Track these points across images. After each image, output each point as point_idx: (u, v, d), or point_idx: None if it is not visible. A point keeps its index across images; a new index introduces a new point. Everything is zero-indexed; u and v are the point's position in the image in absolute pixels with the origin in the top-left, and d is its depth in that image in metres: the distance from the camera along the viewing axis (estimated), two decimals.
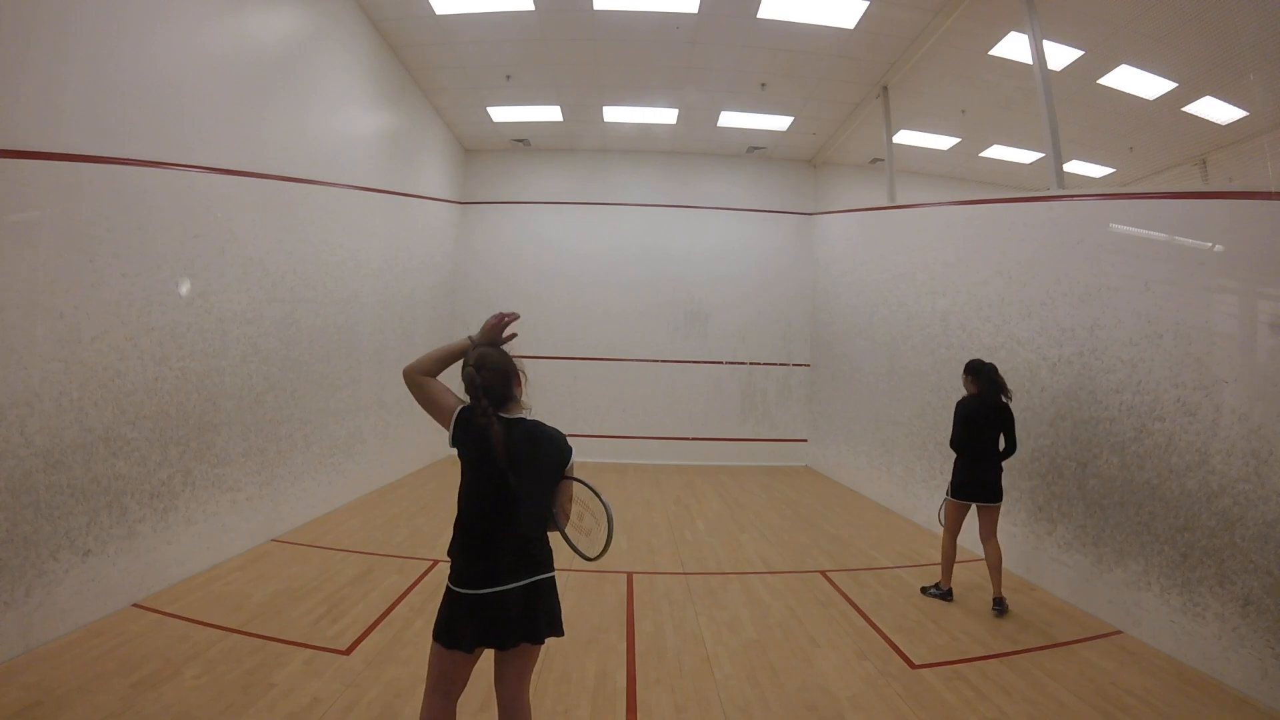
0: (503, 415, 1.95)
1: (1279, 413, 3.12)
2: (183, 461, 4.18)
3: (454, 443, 1.97)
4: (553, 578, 2.05)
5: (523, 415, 2.04)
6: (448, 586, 1.96)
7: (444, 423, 1.99)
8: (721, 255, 10.30)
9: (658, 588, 4.46)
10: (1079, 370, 4.46)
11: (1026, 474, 4.92)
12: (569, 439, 2.12)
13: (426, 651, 2.80)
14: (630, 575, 4.68)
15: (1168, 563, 3.66)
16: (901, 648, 3.56)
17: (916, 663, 3.38)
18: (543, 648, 2.04)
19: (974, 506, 4.23)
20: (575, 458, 2.15)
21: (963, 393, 4.42)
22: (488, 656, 2.02)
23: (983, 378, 4.27)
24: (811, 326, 10.25)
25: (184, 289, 4.16)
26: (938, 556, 5.38)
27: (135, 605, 3.69)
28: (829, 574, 4.79)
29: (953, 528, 4.29)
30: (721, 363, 10.19)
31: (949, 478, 4.34)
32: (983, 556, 4.23)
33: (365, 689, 2.91)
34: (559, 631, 2.04)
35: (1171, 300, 3.79)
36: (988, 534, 4.18)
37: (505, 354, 2.06)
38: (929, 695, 3.04)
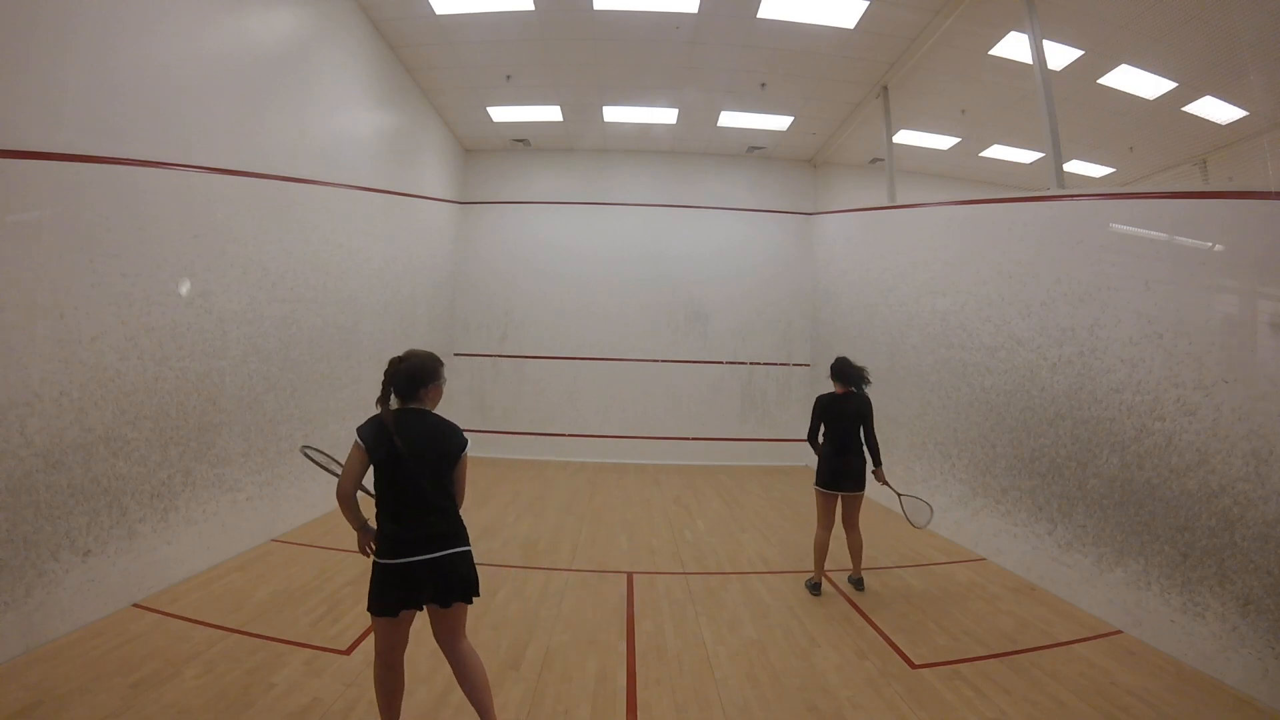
0: (407, 406, 2.38)
1: (1279, 412, 3.12)
2: (183, 461, 4.18)
3: (372, 456, 2.30)
4: (467, 551, 2.36)
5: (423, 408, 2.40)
6: (376, 563, 2.28)
7: (364, 458, 2.31)
8: (721, 255, 10.30)
9: (658, 588, 4.46)
10: (1079, 370, 4.46)
11: (1026, 474, 4.92)
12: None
13: (426, 651, 2.85)
14: (630, 575, 4.68)
15: (1168, 562, 3.66)
16: (901, 648, 3.56)
17: (917, 662, 3.38)
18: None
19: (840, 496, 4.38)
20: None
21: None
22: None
23: (852, 376, 4.44)
24: (811, 326, 10.25)
25: (184, 289, 4.16)
26: (939, 556, 5.38)
27: (135, 605, 3.69)
28: (829, 574, 4.78)
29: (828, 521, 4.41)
30: (721, 363, 10.19)
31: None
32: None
33: (365, 689, 2.91)
34: (470, 595, 2.36)
35: (1171, 300, 3.79)
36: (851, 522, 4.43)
37: (433, 363, 2.44)
38: (929, 695, 3.04)
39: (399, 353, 2.48)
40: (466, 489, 2.48)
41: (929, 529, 4.88)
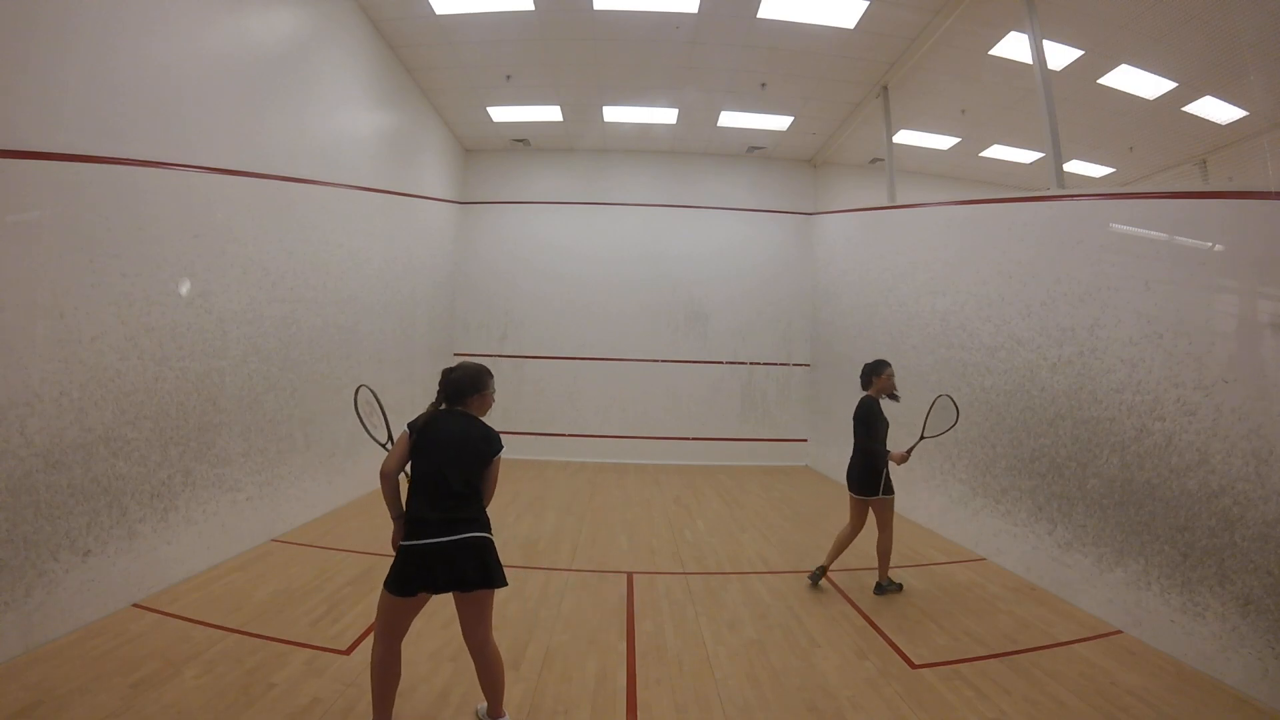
0: (452, 408, 2.60)
1: (1279, 412, 3.12)
2: (183, 461, 4.18)
3: (412, 444, 2.52)
4: (488, 538, 2.51)
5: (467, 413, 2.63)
6: (401, 545, 2.45)
7: (407, 444, 2.54)
8: (722, 255, 10.30)
9: (658, 587, 4.46)
10: (1079, 370, 4.46)
11: (1027, 474, 4.92)
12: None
13: (425, 653, 2.85)
14: (630, 575, 4.68)
15: (1168, 562, 3.66)
16: (902, 648, 3.56)
17: (917, 663, 3.38)
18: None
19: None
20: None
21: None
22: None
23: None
24: (811, 326, 10.25)
25: (184, 289, 4.16)
26: (939, 556, 5.39)
27: (135, 605, 3.69)
28: (829, 574, 4.79)
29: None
30: (721, 363, 10.19)
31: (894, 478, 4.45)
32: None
33: (365, 689, 2.90)
34: (499, 583, 2.48)
35: (1171, 300, 3.79)
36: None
37: (480, 375, 2.67)
38: (929, 695, 3.04)
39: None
40: (496, 490, 2.66)
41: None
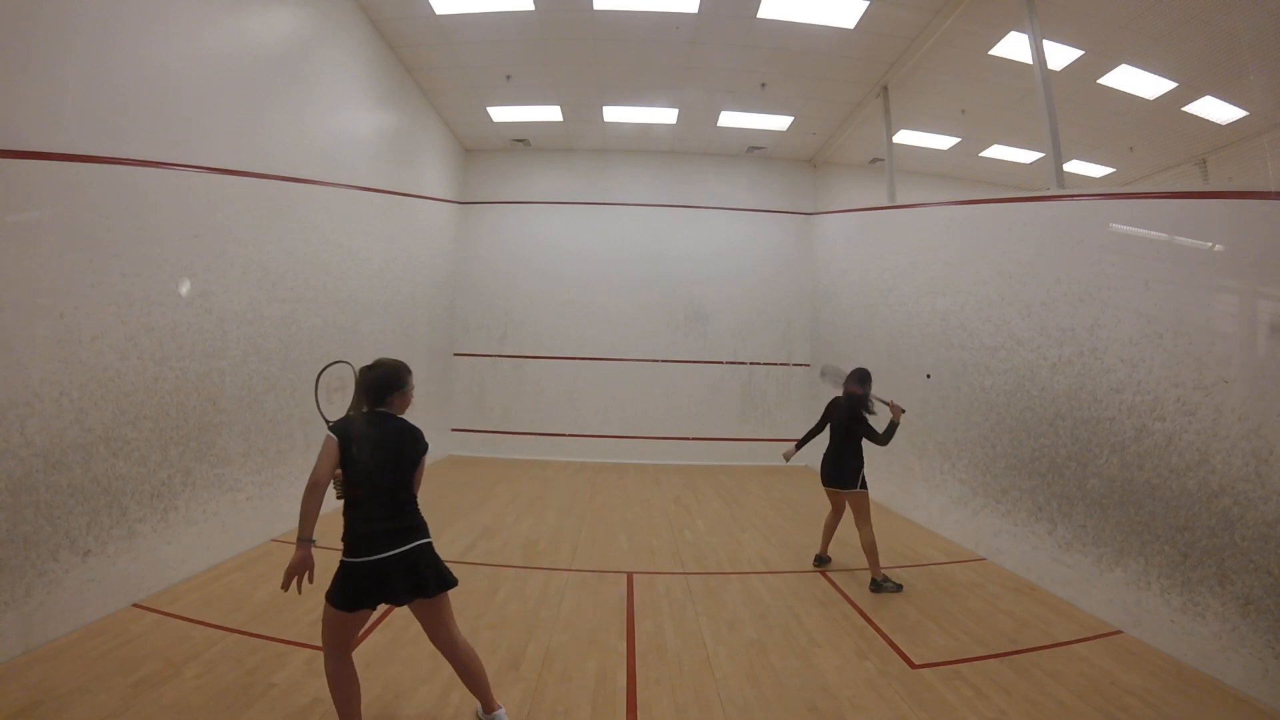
0: (376, 410, 2.51)
1: (1279, 412, 3.12)
2: (183, 461, 4.18)
3: (341, 453, 2.36)
4: (430, 543, 2.48)
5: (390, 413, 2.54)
6: (348, 561, 2.34)
7: (335, 452, 2.36)
8: (721, 255, 10.30)
9: (658, 587, 4.46)
10: (1079, 370, 4.46)
11: (1026, 474, 4.92)
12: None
13: (426, 652, 2.84)
14: (630, 575, 4.68)
15: (1168, 562, 3.66)
16: (902, 648, 3.55)
17: (917, 662, 3.38)
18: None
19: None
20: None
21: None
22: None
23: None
24: (811, 326, 10.25)
25: (184, 289, 4.16)
26: (939, 556, 5.39)
27: (135, 605, 3.69)
28: (829, 573, 4.79)
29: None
30: (721, 363, 10.19)
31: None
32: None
33: (365, 689, 2.89)
34: (453, 582, 2.48)
35: (1171, 300, 3.79)
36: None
37: (399, 372, 2.56)
38: (929, 695, 3.04)
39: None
40: (437, 487, 2.62)
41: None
